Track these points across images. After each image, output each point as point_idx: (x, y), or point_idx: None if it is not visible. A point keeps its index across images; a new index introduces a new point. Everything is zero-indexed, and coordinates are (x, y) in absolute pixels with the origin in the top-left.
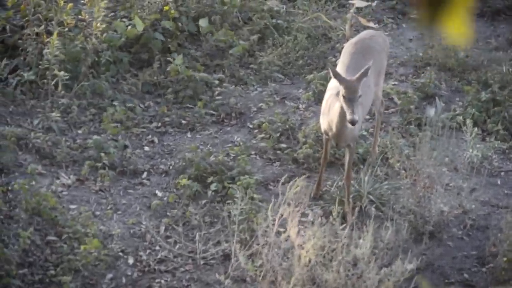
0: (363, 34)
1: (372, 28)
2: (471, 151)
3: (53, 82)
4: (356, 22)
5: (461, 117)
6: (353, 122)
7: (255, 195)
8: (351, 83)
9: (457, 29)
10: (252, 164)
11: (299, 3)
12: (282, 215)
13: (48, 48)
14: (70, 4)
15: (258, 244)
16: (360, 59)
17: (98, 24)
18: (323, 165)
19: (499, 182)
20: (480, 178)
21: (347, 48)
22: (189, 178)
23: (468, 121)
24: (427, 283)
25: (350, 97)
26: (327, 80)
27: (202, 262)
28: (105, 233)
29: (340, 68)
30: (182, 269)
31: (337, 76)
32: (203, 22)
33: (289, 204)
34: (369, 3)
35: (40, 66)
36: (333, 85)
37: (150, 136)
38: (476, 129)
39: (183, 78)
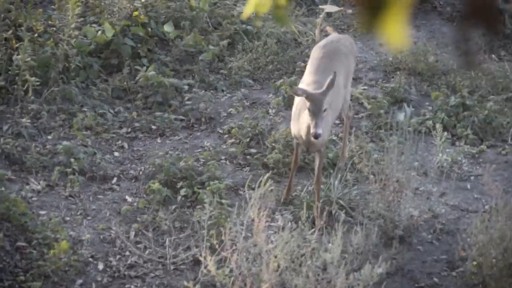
0: (330, 37)
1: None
2: (440, 156)
3: (23, 88)
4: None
5: (430, 122)
6: (316, 136)
7: (224, 200)
8: (316, 97)
9: (394, 35)
10: (222, 169)
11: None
12: (252, 220)
13: (18, 54)
14: (40, 10)
15: (227, 250)
16: (327, 63)
17: (70, 30)
18: (293, 170)
19: (468, 187)
20: (449, 182)
21: (315, 52)
22: (159, 183)
23: (438, 126)
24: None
25: (315, 110)
26: (296, 85)
27: (172, 267)
28: (75, 239)
29: (308, 73)
30: (152, 274)
31: (302, 92)
32: (168, 27)
33: (258, 208)
34: (340, 8)
35: (9, 72)
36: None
37: (120, 142)
38: (445, 133)
39: (152, 84)
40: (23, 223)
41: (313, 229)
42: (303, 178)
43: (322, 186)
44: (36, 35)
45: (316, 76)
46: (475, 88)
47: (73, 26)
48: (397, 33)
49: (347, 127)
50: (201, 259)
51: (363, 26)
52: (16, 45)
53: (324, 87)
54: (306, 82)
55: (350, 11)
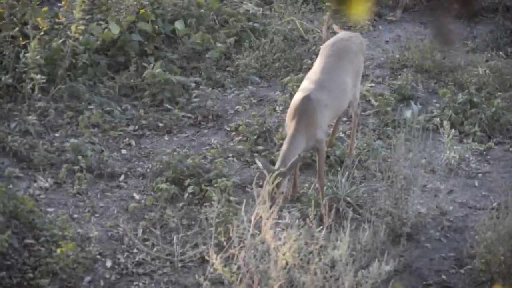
0: (341, 35)
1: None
2: (448, 153)
3: (30, 86)
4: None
5: (438, 119)
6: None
7: (232, 198)
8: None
9: (356, 10)
10: (229, 167)
11: (275, 6)
12: (260, 217)
13: (25, 52)
14: (45, 8)
15: (235, 247)
16: (335, 61)
17: (77, 27)
18: (297, 167)
19: (476, 184)
20: (457, 179)
21: (324, 50)
22: (167, 180)
23: (445, 123)
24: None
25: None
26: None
27: (180, 264)
28: (83, 236)
29: (314, 70)
30: (160, 271)
31: (264, 166)
32: (179, 25)
33: (264, 204)
34: None
35: (17, 70)
36: (302, 87)
37: (127, 139)
38: (453, 130)
39: (159, 81)
40: (31, 221)
41: (321, 227)
42: (310, 175)
43: (329, 184)
44: (42, 33)
45: (322, 75)
46: (483, 85)
47: (80, 23)
48: (359, 8)
49: (355, 124)
50: (208, 258)
51: (332, 4)
52: (23, 43)
53: (287, 167)
54: (311, 79)
55: None
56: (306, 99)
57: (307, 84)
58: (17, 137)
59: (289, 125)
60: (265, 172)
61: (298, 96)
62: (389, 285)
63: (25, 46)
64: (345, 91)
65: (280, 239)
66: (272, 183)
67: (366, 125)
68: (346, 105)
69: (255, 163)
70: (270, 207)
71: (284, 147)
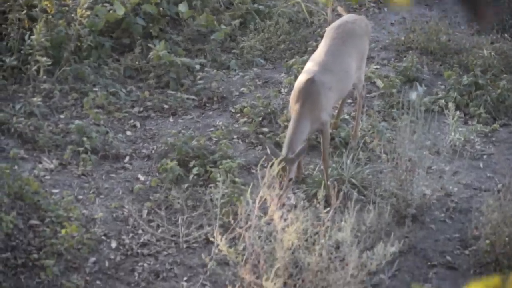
0: (346, 18)
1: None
2: (453, 134)
3: (35, 68)
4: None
5: (443, 101)
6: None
7: (237, 179)
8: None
9: None
10: (234, 148)
11: None
12: (264, 199)
13: (30, 34)
14: None
15: (240, 228)
16: (340, 44)
17: (82, 10)
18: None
19: (481, 165)
20: (462, 161)
21: (329, 32)
22: (172, 162)
23: (450, 105)
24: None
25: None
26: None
27: (185, 245)
28: (88, 217)
29: (318, 52)
30: (165, 252)
31: (271, 152)
32: (182, 7)
33: (268, 187)
34: None
35: (22, 51)
36: (306, 68)
37: (132, 121)
38: (458, 112)
39: (164, 63)
40: (36, 202)
41: (328, 208)
42: (315, 156)
43: (333, 165)
44: (50, 16)
45: (326, 57)
46: (488, 67)
47: (85, 6)
48: None
49: (360, 106)
50: (212, 239)
51: None
52: (29, 25)
53: (296, 153)
54: (315, 61)
55: None
56: (310, 81)
57: (311, 66)
58: (22, 118)
59: (293, 108)
60: (273, 158)
61: (302, 78)
62: (394, 266)
63: (30, 29)
64: (349, 73)
65: (285, 220)
66: (280, 169)
67: (371, 107)
68: (350, 87)
69: (260, 145)
70: (280, 195)
71: (290, 131)
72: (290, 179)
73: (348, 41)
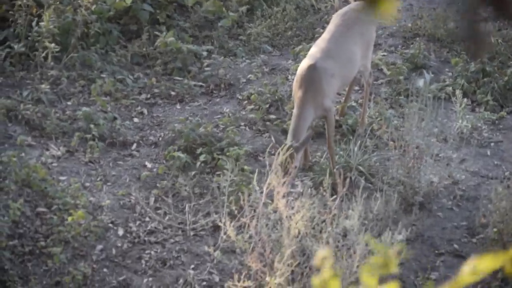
0: (352, 5)
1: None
2: (460, 122)
3: (43, 54)
4: None
5: (450, 88)
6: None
7: (244, 166)
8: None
9: (387, 9)
10: (241, 135)
11: None
12: (272, 186)
13: (38, 20)
14: None
15: (247, 216)
16: (344, 31)
17: None
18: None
19: (488, 153)
20: (469, 148)
21: (334, 19)
22: (179, 149)
23: (458, 92)
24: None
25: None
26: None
27: (192, 233)
28: (95, 205)
29: (322, 38)
30: (172, 240)
31: (276, 141)
32: None
33: (276, 174)
34: None
35: (29, 38)
36: (309, 54)
37: (139, 108)
38: (465, 99)
39: (171, 50)
40: (43, 189)
41: (334, 196)
42: (322, 144)
43: (341, 152)
44: (58, 2)
45: (329, 43)
46: (495, 54)
47: None
48: (389, 8)
49: (367, 93)
50: (221, 224)
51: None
52: (37, 12)
53: (301, 141)
54: (319, 46)
55: None
56: (312, 68)
57: (314, 52)
58: (29, 105)
59: (296, 95)
60: (278, 146)
61: (304, 64)
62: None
63: (38, 15)
64: (353, 60)
65: (292, 208)
66: (284, 156)
67: (378, 94)
68: (354, 75)
69: (267, 132)
70: (284, 182)
71: (293, 119)
72: (295, 167)
73: (352, 28)
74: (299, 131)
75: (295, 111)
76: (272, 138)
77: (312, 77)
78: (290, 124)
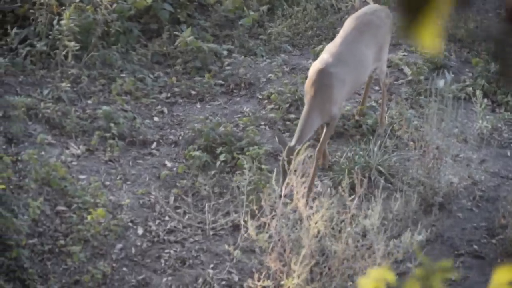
0: (366, 8)
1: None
2: (480, 122)
3: (63, 53)
4: None
5: (470, 88)
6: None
7: (264, 166)
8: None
9: (429, 41)
10: (261, 135)
11: None
12: (293, 186)
13: (59, 19)
14: None
15: (267, 215)
16: (357, 35)
17: None
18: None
19: (508, 154)
20: (489, 149)
21: (348, 22)
22: (199, 148)
23: (478, 92)
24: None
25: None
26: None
27: (211, 232)
28: (115, 204)
29: (334, 42)
30: (191, 239)
31: (280, 141)
32: None
33: (295, 173)
34: None
35: (50, 37)
36: (321, 57)
37: (159, 107)
38: (485, 100)
39: (192, 49)
40: (63, 188)
41: (353, 196)
42: (343, 144)
43: (360, 152)
44: (78, 1)
45: (341, 47)
46: None
47: None
48: (431, 39)
49: (384, 94)
50: (242, 223)
51: (402, 31)
52: (57, 10)
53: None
54: (330, 51)
55: None
56: (323, 73)
57: (325, 56)
58: (49, 104)
59: (307, 97)
60: (281, 147)
61: (315, 68)
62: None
63: (59, 14)
64: (364, 65)
65: (312, 207)
66: (286, 157)
67: (398, 94)
68: (365, 79)
69: (287, 132)
70: (303, 183)
71: (300, 121)
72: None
73: (365, 32)
74: (304, 136)
75: (303, 114)
76: (276, 139)
77: (323, 82)
78: (297, 126)
